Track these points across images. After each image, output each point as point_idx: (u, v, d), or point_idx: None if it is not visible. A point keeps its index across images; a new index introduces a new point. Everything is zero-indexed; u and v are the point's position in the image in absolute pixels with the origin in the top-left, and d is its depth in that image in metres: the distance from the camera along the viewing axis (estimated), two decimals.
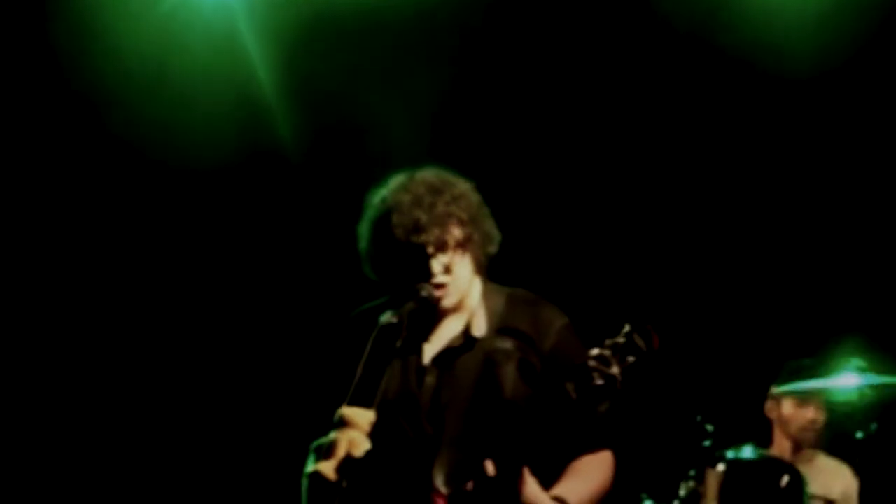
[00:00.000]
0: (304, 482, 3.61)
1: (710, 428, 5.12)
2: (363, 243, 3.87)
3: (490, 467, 3.41)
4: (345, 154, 6.22)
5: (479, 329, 3.81)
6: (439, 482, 3.62)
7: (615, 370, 3.30)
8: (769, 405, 5.87)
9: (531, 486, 3.53)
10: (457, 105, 6.14)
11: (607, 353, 3.32)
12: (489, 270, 3.93)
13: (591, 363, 3.32)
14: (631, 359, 3.32)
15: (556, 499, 3.60)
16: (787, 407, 5.78)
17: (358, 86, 6.15)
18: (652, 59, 6.18)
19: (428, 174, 3.83)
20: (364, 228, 3.87)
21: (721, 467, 5.13)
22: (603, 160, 6.30)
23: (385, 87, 6.09)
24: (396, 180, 3.85)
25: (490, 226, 3.87)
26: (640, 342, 3.32)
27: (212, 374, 6.35)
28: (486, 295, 3.88)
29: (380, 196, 3.84)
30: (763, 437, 5.80)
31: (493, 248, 3.88)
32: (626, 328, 3.36)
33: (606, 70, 6.22)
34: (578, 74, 6.23)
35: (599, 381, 3.30)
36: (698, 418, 5.13)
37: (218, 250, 6.37)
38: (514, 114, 6.26)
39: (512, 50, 6.17)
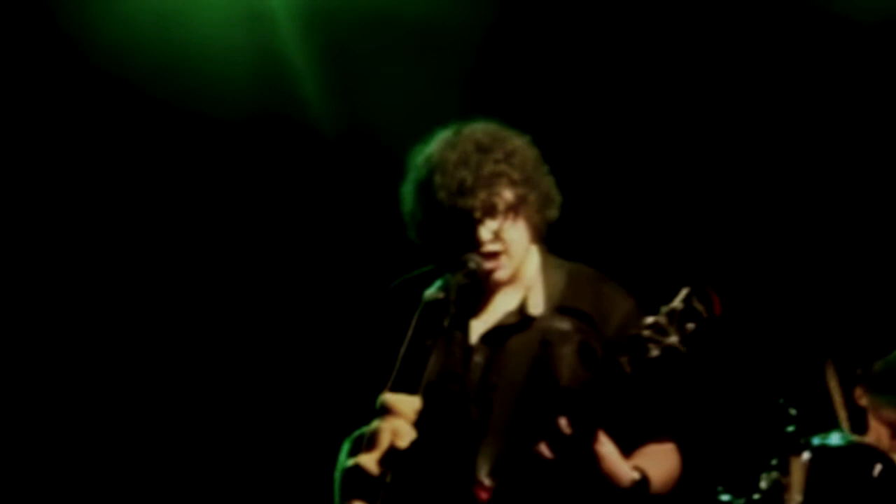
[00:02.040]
0: (338, 476, 3.55)
1: (793, 411, 4.97)
2: (407, 206, 3.74)
3: (565, 424, 3.28)
4: (375, 113, 6.05)
5: (537, 306, 3.68)
6: (483, 473, 3.50)
7: (673, 339, 3.17)
8: (858, 392, 5.72)
9: (610, 451, 3.40)
10: (503, 61, 6.03)
11: (663, 320, 3.19)
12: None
13: (646, 333, 3.20)
14: (690, 326, 3.18)
15: (636, 468, 3.47)
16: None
17: (390, 44, 6.01)
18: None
19: (477, 129, 3.70)
20: (407, 190, 3.74)
21: (807, 456, 5.02)
22: (659, 112, 6.15)
23: (420, 45, 5.95)
24: (443, 136, 3.72)
25: (549, 186, 3.72)
26: (699, 307, 3.19)
27: (232, 362, 6.30)
28: (545, 268, 3.75)
29: (424, 154, 3.71)
30: (856, 420, 5.66)
31: (552, 213, 3.73)
32: (684, 292, 3.22)
33: (664, 28, 6.08)
34: (637, 32, 6.09)
35: (656, 353, 3.18)
36: (780, 400, 5.01)
37: (235, 218, 6.27)
38: (566, 70, 6.11)
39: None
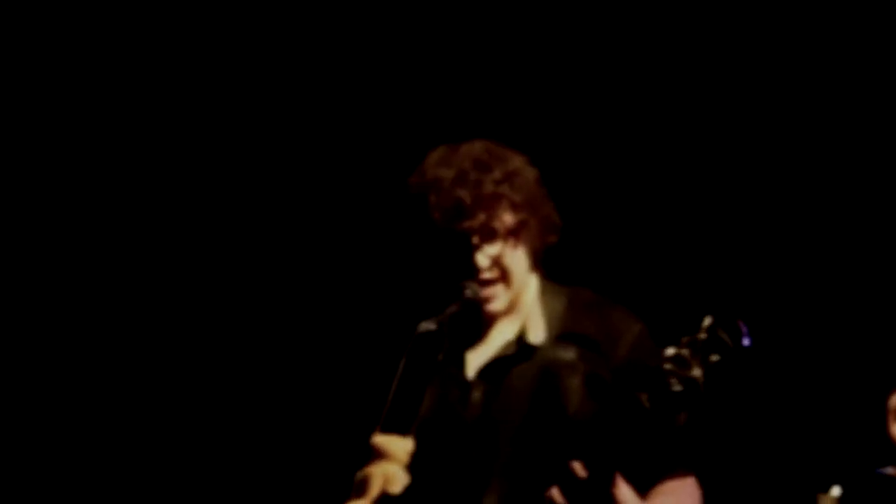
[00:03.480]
0: None
1: (821, 445, 4.88)
2: (404, 229, 3.62)
3: (579, 468, 3.09)
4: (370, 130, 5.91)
5: (537, 335, 3.54)
6: None
7: (696, 372, 2.98)
8: (892, 425, 5.61)
9: (627, 494, 3.21)
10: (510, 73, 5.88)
11: (686, 352, 3.00)
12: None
13: (667, 366, 3.00)
14: (715, 358, 3.00)
15: None
16: None
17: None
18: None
19: (475, 146, 3.58)
20: (403, 211, 3.62)
21: (836, 492, 4.91)
22: (672, 126, 6.00)
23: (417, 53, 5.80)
24: (437, 153, 3.60)
25: (549, 210, 3.62)
26: (725, 337, 3.00)
27: (213, 399, 6.10)
28: (543, 294, 3.62)
29: (419, 172, 3.59)
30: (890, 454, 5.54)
31: (552, 237, 3.63)
32: (708, 322, 3.03)
33: (684, 41, 5.95)
34: (647, 46, 5.96)
35: (678, 387, 2.98)
36: (803, 431, 4.91)
37: (214, 251, 6.12)
38: (574, 79, 5.96)
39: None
